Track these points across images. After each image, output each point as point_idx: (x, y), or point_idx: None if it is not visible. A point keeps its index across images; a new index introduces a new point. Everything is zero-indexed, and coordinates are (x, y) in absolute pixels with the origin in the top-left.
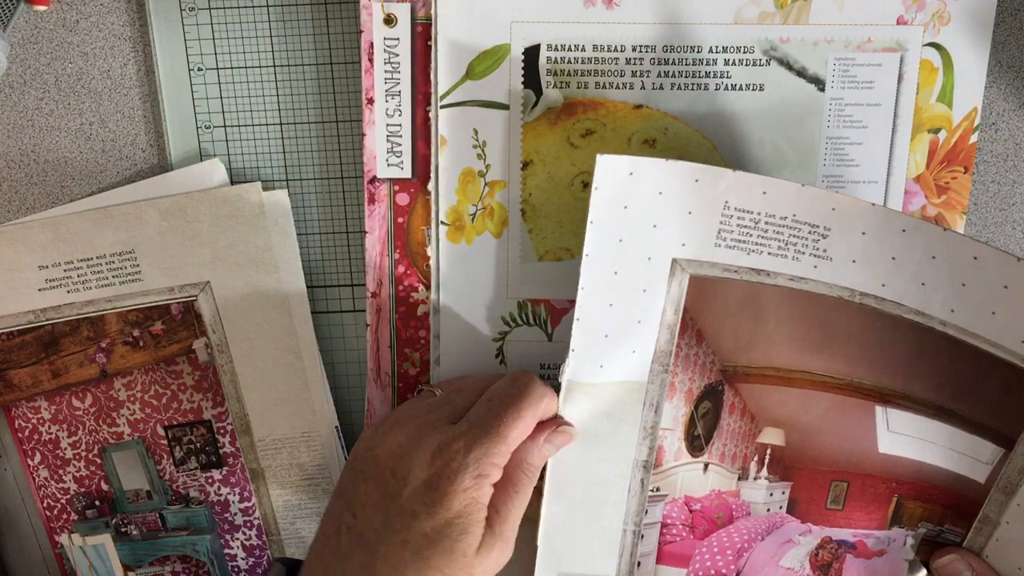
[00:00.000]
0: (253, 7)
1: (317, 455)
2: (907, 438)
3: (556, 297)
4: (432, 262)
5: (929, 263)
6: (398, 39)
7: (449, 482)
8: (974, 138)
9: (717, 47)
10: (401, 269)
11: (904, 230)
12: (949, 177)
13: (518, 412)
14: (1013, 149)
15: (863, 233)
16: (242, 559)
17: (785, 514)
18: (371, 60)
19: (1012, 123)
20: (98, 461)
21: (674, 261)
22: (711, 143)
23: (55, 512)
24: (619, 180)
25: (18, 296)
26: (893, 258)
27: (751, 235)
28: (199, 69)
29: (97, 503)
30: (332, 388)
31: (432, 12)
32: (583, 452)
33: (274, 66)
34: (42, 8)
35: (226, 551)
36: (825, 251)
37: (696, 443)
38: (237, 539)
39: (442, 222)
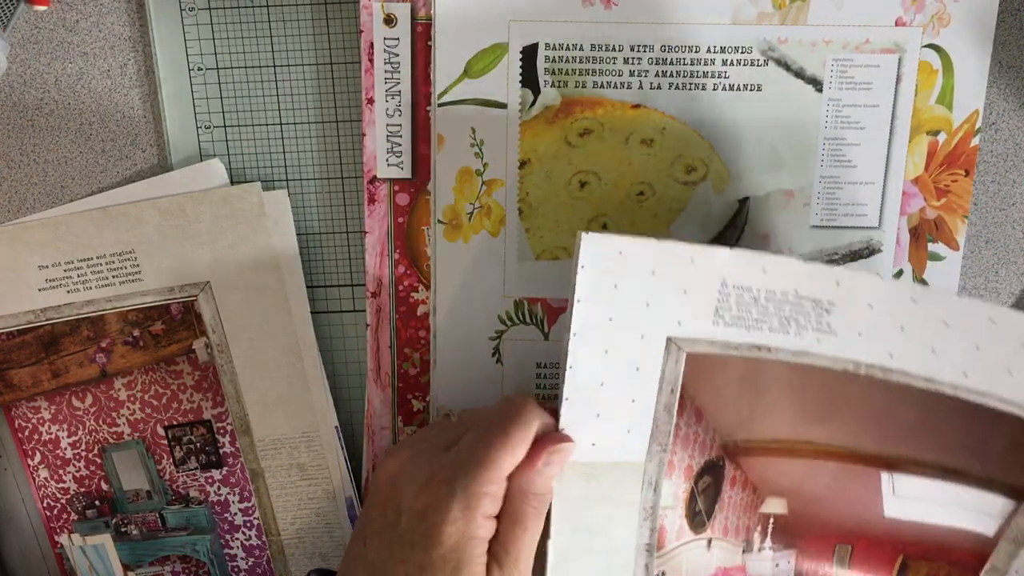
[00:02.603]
0: (253, 7)
1: (317, 455)
2: (914, 501)
3: (553, 296)
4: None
5: (942, 330)
6: (398, 39)
7: (437, 514)
8: (975, 141)
9: (715, 47)
10: (401, 269)
11: (914, 300)
12: (949, 180)
13: (506, 437)
14: (1013, 149)
15: (869, 306)
16: (242, 559)
17: None
18: (371, 60)
19: (1013, 123)
20: (98, 461)
21: (669, 340)
22: (708, 143)
23: (55, 512)
24: (607, 259)
25: (18, 296)
26: (902, 328)
27: (751, 312)
28: (199, 69)
29: (97, 503)
30: (332, 388)
31: (432, 11)
32: (582, 543)
33: (274, 66)
34: (42, 8)
35: (226, 551)
36: (829, 325)
37: (698, 519)
38: (237, 539)
39: (439, 221)
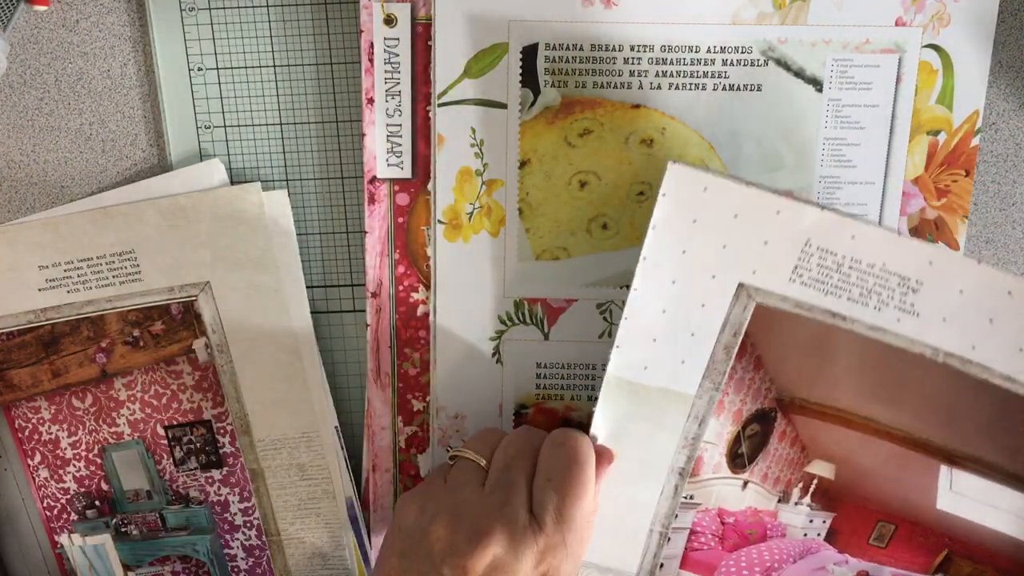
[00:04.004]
0: (253, 7)
1: (317, 455)
2: (971, 500)
3: (553, 296)
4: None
5: None
6: (398, 39)
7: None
8: (975, 141)
9: (715, 47)
10: (401, 269)
11: (1010, 292)
12: (949, 180)
13: (585, 487)
14: (1013, 149)
15: (960, 292)
16: (242, 559)
17: (822, 541)
18: (371, 60)
19: (1013, 123)
20: (98, 461)
21: (741, 286)
22: (708, 143)
23: (55, 512)
24: (691, 192)
25: (18, 296)
26: (991, 320)
27: (831, 277)
28: (199, 69)
29: (97, 503)
30: (332, 388)
31: (432, 11)
32: (616, 448)
33: (274, 66)
34: (42, 8)
35: (226, 551)
36: (912, 305)
37: (739, 461)
38: (237, 539)
39: (439, 221)
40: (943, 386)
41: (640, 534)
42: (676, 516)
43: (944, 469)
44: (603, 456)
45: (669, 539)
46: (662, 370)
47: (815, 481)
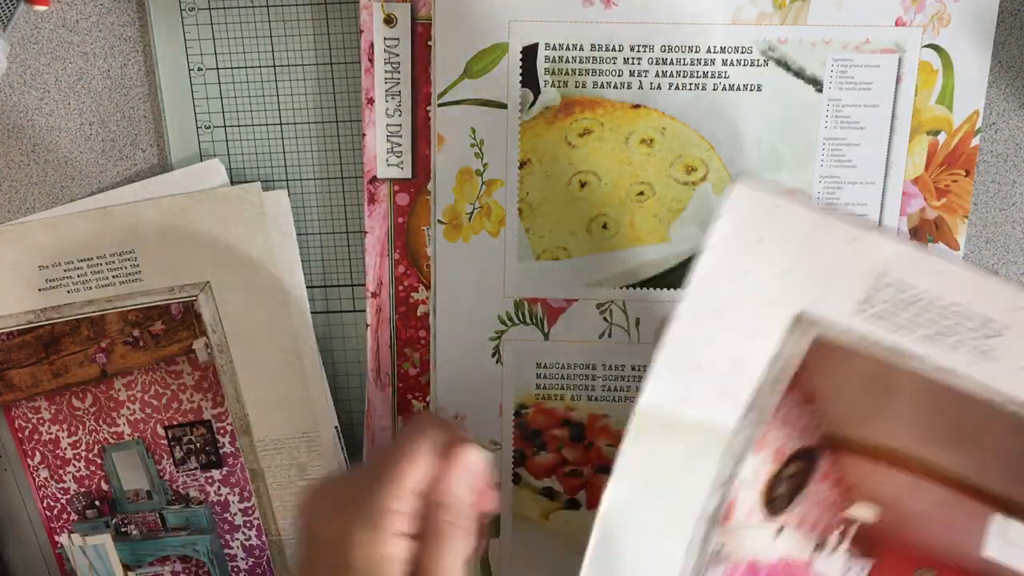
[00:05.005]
0: (253, 7)
1: (317, 455)
2: (1021, 550)
3: (553, 296)
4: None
5: None
6: (398, 39)
7: (346, 536)
8: (975, 141)
9: (715, 47)
10: (401, 269)
11: None
12: (949, 180)
13: (402, 448)
14: (1013, 149)
15: None
16: (242, 559)
17: None
18: (371, 60)
19: (1012, 123)
20: (98, 461)
21: (801, 315)
22: (708, 143)
23: (55, 512)
24: (758, 212)
25: (18, 296)
26: None
27: (903, 312)
28: (199, 69)
29: (97, 503)
30: (332, 388)
31: (432, 11)
32: (643, 497)
33: (274, 66)
34: (42, 8)
35: (226, 551)
36: (992, 350)
37: (774, 504)
38: (237, 539)
39: (439, 221)
40: (1009, 436)
41: None
42: (705, 572)
43: (999, 518)
44: (470, 446)
45: None
46: (700, 401)
47: (855, 526)
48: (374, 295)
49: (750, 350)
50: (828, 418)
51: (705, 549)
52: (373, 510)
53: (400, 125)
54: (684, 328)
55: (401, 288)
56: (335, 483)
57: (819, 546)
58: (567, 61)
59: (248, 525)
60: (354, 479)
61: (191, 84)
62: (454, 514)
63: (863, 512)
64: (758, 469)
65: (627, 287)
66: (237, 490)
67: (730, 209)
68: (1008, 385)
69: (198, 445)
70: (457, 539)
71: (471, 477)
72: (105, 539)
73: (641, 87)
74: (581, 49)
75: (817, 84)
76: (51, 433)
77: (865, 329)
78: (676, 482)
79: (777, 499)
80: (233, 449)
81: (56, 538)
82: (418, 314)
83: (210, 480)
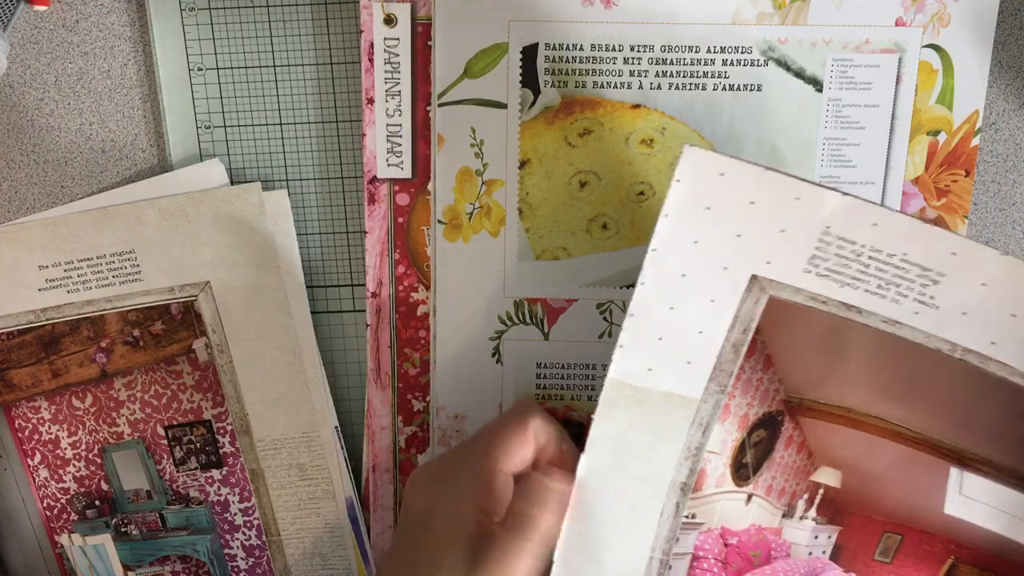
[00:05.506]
0: (253, 7)
1: (317, 455)
2: (980, 504)
3: (553, 296)
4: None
5: None
6: (398, 39)
7: (435, 508)
8: (975, 141)
9: (715, 47)
10: (401, 269)
11: None
12: (949, 180)
13: (501, 429)
14: (1013, 149)
15: (983, 284)
16: (242, 559)
17: (828, 560)
18: (371, 60)
19: (1012, 123)
20: (98, 461)
21: (754, 277)
22: (709, 143)
23: (55, 512)
24: (706, 178)
25: (18, 296)
26: (1013, 315)
27: (849, 267)
28: (199, 69)
29: (97, 503)
30: (332, 388)
31: (432, 11)
32: (616, 466)
33: (274, 66)
34: (42, 8)
35: (226, 551)
36: (932, 298)
37: (743, 472)
38: (237, 539)
39: (439, 221)
40: (958, 384)
41: (640, 562)
42: (677, 540)
43: (954, 471)
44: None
45: (671, 567)
46: (667, 372)
47: (821, 491)
48: (374, 295)
49: (709, 317)
50: (786, 382)
51: (678, 517)
52: (461, 482)
53: (400, 125)
54: (645, 300)
55: (401, 288)
56: (436, 461)
57: (787, 513)
58: (567, 61)
59: (248, 525)
60: (453, 456)
61: (191, 84)
62: (539, 506)
63: (827, 476)
64: (724, 438)
65: (627, 287)
66: (237, 490)
67: (681, 175)
68: (953, 332)
69: (198, 445)
70: (535, 535)
71: (561, 494)
72: (105, 539)
73: (641, 87)
74: (581, 49)
75: (817, 84)
76: (51, 433)
77: (815, 287)
78: (648, 451)
79: (745, 467)
80: (233, 449)
81: (56, 538)
82: (418, 314)
83: (210, 480)
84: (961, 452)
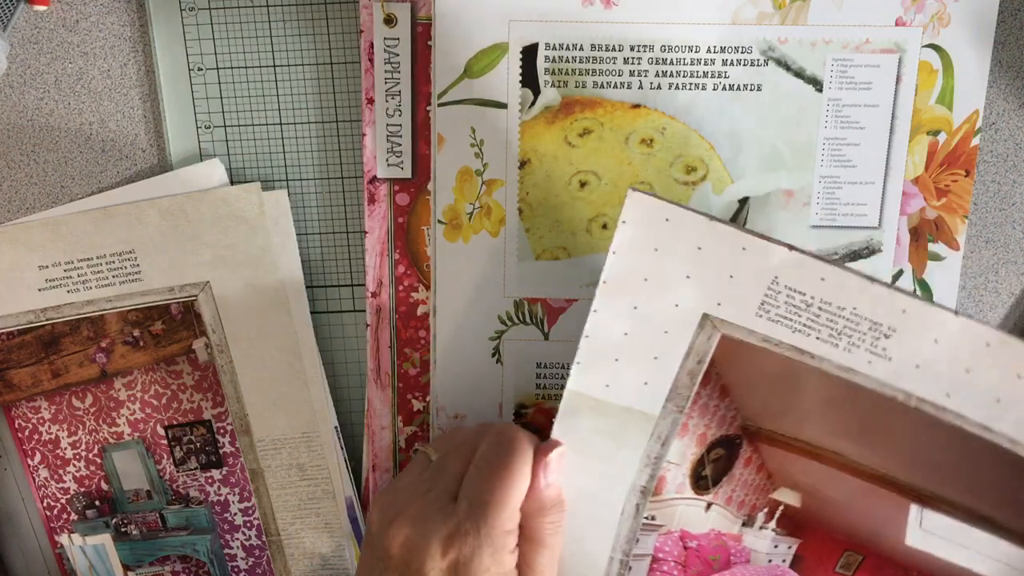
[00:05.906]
0: (253, 7)
1: (317, 455)
2: (940, 539)
3: (553, 296)
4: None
5: (1013, 381)
6: (398, 39)
7: (469, 566)
8: (975, 141)
9: (715, 47)
10: (401, 269)
11: (988, 344)
12: (949, 180)
13: (510, 474)
14: (1013, 149)
15: (935, 341)
16: (242, 559)
17: (787, 568)
18: (371, 60)
19: (1012, 123)
20: (98, 461)
21: (706, 316)
22: (708, 143)
23: (55, 512)
24: (652, 222)
25: (18, 296)
26: (967, 370)
27: (799, 316)
28: (199, 69)
29: (97, 503)
30: (332, 388)
31: (432, 11)
32: (579, 465)
33: (274, 66)
34: (42, 8)
35: (226, 551)
36: (884, 351)
37: (702, 483)
38: (237, 539)
39: (439, 221)
40: (912, 429)
41: (600, 562)
42: (637, 540)
43: (914, 507)
44: (546, 447)
45: (631, 568)
46: (625, 389)
47: (781, 508)
48: (374, 295)
49: (664, 345)
50: (744, 411)
51: (638, 518)
52: (494, 536)
53: (400, 125)
54: (599, 326)
55: (401, 288)
56: (431, 511)
57: (747, 523)
58: (567, 61)
59: (248, 525)
60: (461, 508)
61: (191, 84)
62: (553, 515)
63: (787, 496)
64: (683, 452)
65: None
66: (237, 490)
67: (627, 218)
68: (907, 383)
69: (198, 445)
70: (557, 538)
71: (560, 476)
72: (105, 539)
73: (641, 87)
74: (581, 49)
75: (817, 84)
76: (51, 433)
77: (768, 330)
78: (609, 455)
79: (704, 478)
80: (233, 449)
81: (56, 538)
82: (418, 314)
83: (210, 480)
84: (920, 491)
